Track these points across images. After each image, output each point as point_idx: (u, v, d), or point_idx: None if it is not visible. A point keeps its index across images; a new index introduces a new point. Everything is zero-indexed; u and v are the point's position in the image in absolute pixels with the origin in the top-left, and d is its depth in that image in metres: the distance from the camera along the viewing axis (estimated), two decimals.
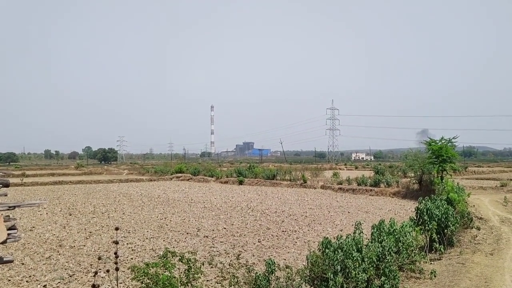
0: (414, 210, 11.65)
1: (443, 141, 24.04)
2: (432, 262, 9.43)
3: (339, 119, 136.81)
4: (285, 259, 10.74)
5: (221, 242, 13.14)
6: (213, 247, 12.34)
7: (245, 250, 11.95)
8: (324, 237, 7.40)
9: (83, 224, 16.63)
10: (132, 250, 12.04)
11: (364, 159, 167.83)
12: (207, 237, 13.92)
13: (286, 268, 7.04)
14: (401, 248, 8.30)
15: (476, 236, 12.35)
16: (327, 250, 6.93)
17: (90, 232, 14.81)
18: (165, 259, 6.15)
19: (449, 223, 10.70)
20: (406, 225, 9.09)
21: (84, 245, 12.70)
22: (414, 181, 26.94)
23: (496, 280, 7.86)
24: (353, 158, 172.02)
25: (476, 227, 13.18)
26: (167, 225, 16.34)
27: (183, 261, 6.31)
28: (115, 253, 5.18)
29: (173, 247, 11.78)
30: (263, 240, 13.41)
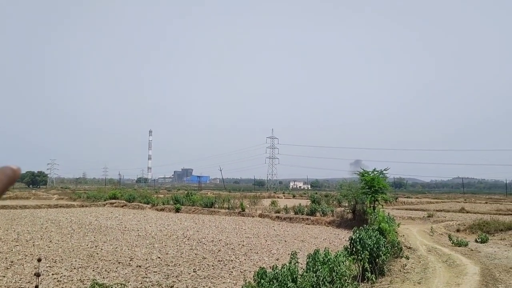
0: (348, 239, 11.93)
1: (375, 172, 25.07)
2: None
3: (279, 148, 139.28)
4: None
5: (154, 272, 12.62)
6: (146, 278, 11.81)
7: (179, 281, 11.55)
8: (260, 267, 7.35)
9: (4, 252, 15.32)
10: (58, 281, 11.21)
11: (302, 187, 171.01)
12: (140, 266, 13.33)
13: None
14: (335, 277, 8.40)
15: (405, 265, 12.85)
16: (262, 281, 6.87)
17: (12, 262, 13.66)
18: None
19: (381, 252, 11.05)
20: (340, 255, 9.26)
21: (4, 276, 11.66)
22: (348, 211, 27.76)
23: None
24: (291, 186, 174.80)
25: (405, 256, 13.72)
26: (97, 254, 15.48)
27: None
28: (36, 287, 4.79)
29: (103, 278, 11.14)
30: (198, 270, 13.06)
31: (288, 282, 6.86)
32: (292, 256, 7.98)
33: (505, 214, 34.87)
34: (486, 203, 60.14)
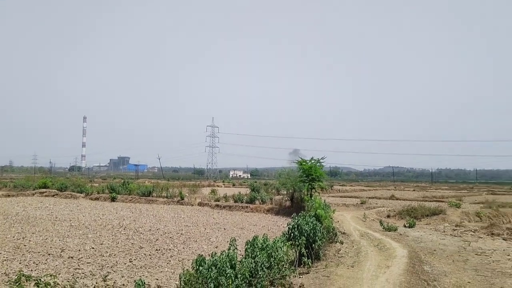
0: (286, 226, 12.17)
1: (312, 161, 25.74)
2: (301, 276, 9.88)
3: (219, 136, 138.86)
4: (157, 279, 10.31)
5: (87, 263, 12.14)
6: (78, 269, 11.33)
7: (114, 271, 11.19)
8: (199, 254, 7.29)
9: None
10: None
11: (242, 176, 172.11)
12: (72, 258, 12.76)
13: None
14: (273, 263, 8.54)
15: (340, 250, 13.37)
16: (200, 268, 6.82)
17: None
18: (18, 284, 5.44)
19: (317, 238, 11.39)
20: (278, 241, 9.41)
21: None
22: (286, 198, 28.35)
23: None
24: (231, 175, 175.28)
25: (340, 241, 14.28)
26: (25, 245, 14.61)
27: (40, 285, 5.64)
28: None
29: (31, 270, 10.55)
30: (135, 259, 12.74)
31: (226, 268, 6.87)
32: (231, 243, 7.99)
33: (430, 201, 37.28)
34: (414, 190, 63.99)
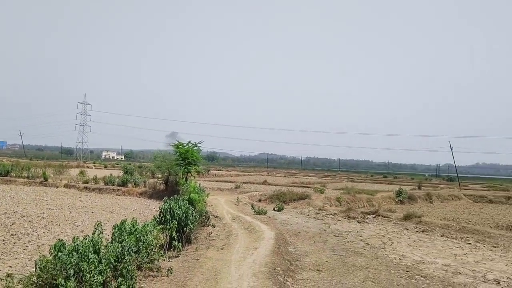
0: (158, 209, 11.89)
1: (190, 145, 25.56)
2: (170, 260, 9.75)
3: (91, 114, 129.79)
4: (11, 267, 9.27)
5: None
6: None
7: None
8: (59, 239, 6.69)
9: None
10: None
11: (115, 158, 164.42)
12: None
13: (7, 277, 6.04)
14: (141, 247, 8.25)
15: (211, 233, 13.53)
16: (60, 254, 6.26)
17: None
18: None
19: (189, 221, 11.33)
20: (148, 224, 9.14)
21: None
22: (161, 182, 27.77)
23: (224, 272, 8.70)
24: (103, 156, 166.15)
25: (212, 224, 14.44)
26: None
27: None
28: None
29: None
30: None
31: (89, 253, 6.42)
32: (96, 227, 7.48)
33: (298, 186, 39.89)
34: (285, 176, 67.98)
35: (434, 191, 39.95)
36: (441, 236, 16.31)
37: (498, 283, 9.45)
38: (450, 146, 57.36)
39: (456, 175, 66.49)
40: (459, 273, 10.29)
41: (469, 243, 14.92)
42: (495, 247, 14.42)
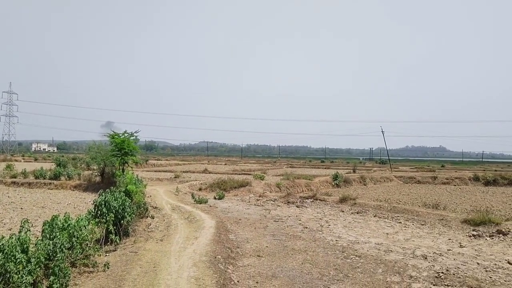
0: (93, 202, 11.43)
1: (126, 134, 24.77)
2: (107, 254, 9.44)
3: (18, 104, 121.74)
4: None
5: None
6: None
7: None
8: None
9: None
10: None
11: (47, 150, 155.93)
12: None
13: None
14: (75, 243, 7.92)
15: (150, 225, 13.25)
16: None
17: None
18: None
19: (126, 214, 11.00)
20: (82, 219, 8.76)
21: None
22: (96, 174, 26.76)
23: (163, 264, 8.57)
24: (33, 149, 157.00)
25: (151, 216, 14.14)
26: None
27: None
28: None
29: None
30: None
31: (16, 253, 6.05)
32: (22, 224, 7.04)
33: (239, 174, 40.15)
34: (225, 164, 68.02)
35: (368, 174, 41.89)
36: (374, 216, 17.13)
37: (426, 258, 10.11)
38: (382, 131, 60.29)
39: (387, 158, 70.08)
40: (391, 251, 10.88)
41: (400, 222, 15.81)
42: (422, 224, 15.40)
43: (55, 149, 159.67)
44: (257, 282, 7.95)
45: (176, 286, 7.18)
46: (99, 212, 10.44)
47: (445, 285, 8.02)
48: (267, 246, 11.08)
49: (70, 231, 7.96)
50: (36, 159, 68.63)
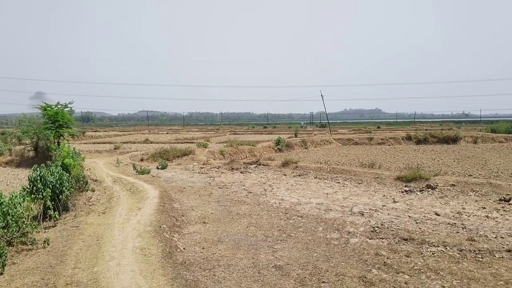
0: (27, 178, 10.90)
1: (59, 106, 23.50)
2: (47, 230, 9.13)
3: None
4: None
5: None
6: None
7: None
8: None
9: None
10: None
11: None
12: None
13: None
14: (10, 221, 7.58)
15: (91, 198, 12.90)
16: None
17: None
18: None
19: (64, 188, 10.62)
20: (16, 196, 8.36)
21: None
22: (29, 148, 25.36)
23: (107, 236, 8.44)
24: None
25: (91, 189, 13.74)
26: None
27: None
28: None
29: None
30: None
31: None
32: None
33: (182, 143, 39.69)
34: (167, 133, 66.91)
35: (309, 138, 43.01)
36: (315, 178, 17.76)
37: (362, 214, 10.72)
38: (321, 95, 61.66)
39: (327, 121, 72.16)
40: (330, 209, 11.41)
41: (338, 182, 16.52)
42: (359, 183, 16.20)
43: None
44: (203, 248, 8.07)
45: (121, 257, 7.13)
46: (34, 188, 9.99)
47: (380, 237, 8.59)
48: (212, 213, 11.21)
49: (4, 209, 7.60)
50: None
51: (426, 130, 57.29)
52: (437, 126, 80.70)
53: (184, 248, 8.04)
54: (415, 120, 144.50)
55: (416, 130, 58.10)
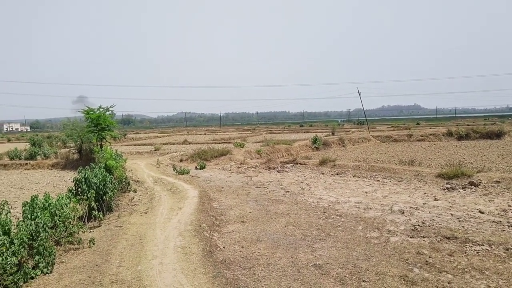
0: (73, 181, 11.33)
1: (101, 109, 24.30)
2: (92, 230, 9.47)
3: None
4: None
5: None
6: None
7: None
8: None
9: None
10: None
11: (19, 130, 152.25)
12: None
13: None
14: (57, 221, 7.90)
15: (133, 198, 13.26)
16: None
17: None
18: None
19: (108, 189, 10.98)
20: (63, 197, 8.70)
21: None
22: (74, 151, 26.36)
23: (149, 235, 8.65)
24: (5, 129, 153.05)
25: (133, 190, 14.11)
26: None
27: None
28: None
29: None
30: None
31: None
32: (2, 206, 6.97)
33: (219, 143, 40.08)
34: (205, 134, 67.74)
35: (346, 136, 42.40)
36: (353, 176, 17.50)
37: (403, 213, 10.47)
38: (358, 92, 60.57)
39: (365, 118, 70.89)
40: (370, 208, 11.21)
41: (378, 180, 16.21)
42: (399, 181, 15.83)
43: (28, 128, 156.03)
44: (242, 247, 8.13)
45: (164, 256, 7.29)
46: (79, 189, 10.39)
47: (421, 236, 8.36)
48: (250, 212, 11.26)
49: (52, 210, 7.92)
50: (9, 140, 66.87)
51: (468, 125, 55.22)
52: (479, 121, 77.60)
53: (224, 247, 8.12)
54: (456, 115, 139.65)
55: (457, 125, 56.10)
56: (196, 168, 22.04)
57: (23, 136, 74.24)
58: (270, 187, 15.34)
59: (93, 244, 8.17)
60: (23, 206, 7.65)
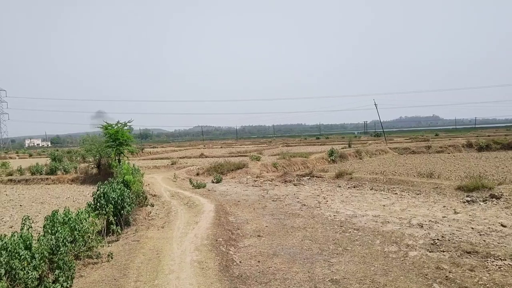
0: (92, 195, 11.52)
1: (119, 124, 24.70)
2: (110, 245, 9.58)
3: (7, 101, 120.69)
4: None
5: None
6: None
7: None
8: None
9: None
10: None
11: (40, 145, 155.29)
12: None
13: None
14: (77, 236, 8.04)
15: (150, 213, 13.39)
16: None
17: None
18: None
19: (125, 204, 11.13)
20: (82, 212, 8.85)
21: None
22: (93, 166, 26.78)
23: (166, 250, 8.72)
24: (27, 145, 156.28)
25: (150, 204, 14.26)
26: None
27: None
28: None
29: None
30: None
31: (20, 250, 6.15)
32: (24, 221, 7.13)
33: (235, 156, 40.22)
34: (221, 147, 68.07)
35: (363, 148, 42.13)
36: (371, 189, 17.36)
37: (422, 226, 10.33)
38: (375, 103, 60.26)
39: (382, 130, 70.36)
40: (388, 222, 11.09)
41: (396, 193, 16.04)
42: (418, 194, 15.63)
43: (49, 143, 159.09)
44: (258, 261, 8.13)
45: (180, 270, 7.34)
46: (98, 204, 10.55)
47: (441, 251, 8.23)
48: (266, 226, 11.26)
49: (71, 225, 8.06)
50: (30, 155, 68.35)
51: (489, 136, 54.33)
52: (501, 132, 76.15)
53: (240, 262, 8.13)
54: (476, 126, 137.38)
55: (477, 136, 55.21)
56: (213, 182, 22.15)
57: (44, 152, 75.78)
58: (287, 201, 15.32)
59: (112, 258, 8.27)
60: (44, 221, 7.81)
